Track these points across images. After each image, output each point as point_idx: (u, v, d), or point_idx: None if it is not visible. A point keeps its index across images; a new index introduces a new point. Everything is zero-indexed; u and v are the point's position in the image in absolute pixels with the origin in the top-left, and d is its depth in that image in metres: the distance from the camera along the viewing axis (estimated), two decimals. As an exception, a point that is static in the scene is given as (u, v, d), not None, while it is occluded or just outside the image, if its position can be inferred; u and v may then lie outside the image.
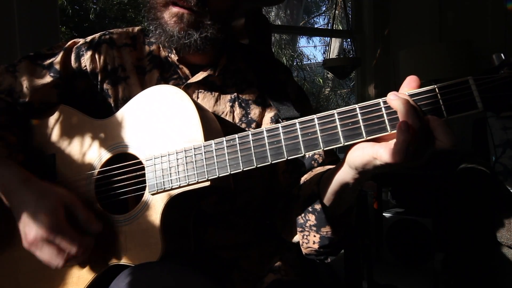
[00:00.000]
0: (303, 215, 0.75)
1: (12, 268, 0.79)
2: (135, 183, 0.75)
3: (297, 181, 0.83)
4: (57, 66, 0.85)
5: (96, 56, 0.86)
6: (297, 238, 0.79)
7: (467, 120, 2.38)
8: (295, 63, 7.06)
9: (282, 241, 0.90)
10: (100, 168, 0.78)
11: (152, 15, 0.80)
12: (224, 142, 0.67)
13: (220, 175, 0.67)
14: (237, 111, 0.86)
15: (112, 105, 0.85)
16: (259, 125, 0.86)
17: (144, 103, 0.77)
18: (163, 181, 0.71)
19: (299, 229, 0.77)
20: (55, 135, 0.82)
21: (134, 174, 0.76)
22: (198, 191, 0.70)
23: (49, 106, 0.85)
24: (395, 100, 0.55)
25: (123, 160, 0.77)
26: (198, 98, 0.85)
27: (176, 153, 0.71)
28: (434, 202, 2.35)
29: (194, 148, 0.69)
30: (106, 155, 0.78)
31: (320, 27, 7.97)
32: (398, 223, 2.50)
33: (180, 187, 0.70)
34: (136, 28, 0.92)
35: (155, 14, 0.79)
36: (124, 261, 0.72)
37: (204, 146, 0.68)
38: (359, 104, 0.59)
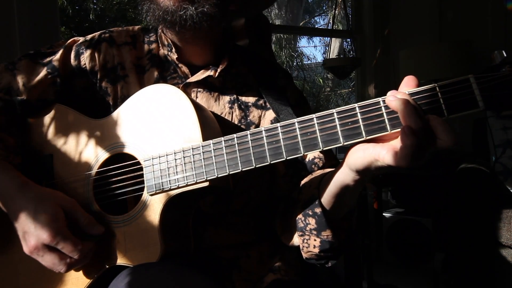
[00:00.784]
0: (303, 218, 0.74)
1: (12, 269, 0.79)
2: (134, 183, 0.75)
3: (297, 185, 0.83)
4: (56, 64, 0.85)
5: (96, 54, 0.86)
6: (297, 242, 0.79)
7: (467, 120, 2.38)
8: (295, 63, 7.05)
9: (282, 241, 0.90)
10: (98, 169, 0.77)
11: None
12: (223, 142, 0.66)
13: (218, 175, 0.66)
14: (236, 112, 0.86)
15: (111, 103, 0.85)
16: (258, 127, 0.86)
17: (142, 102, 0.77)
18: (162, 182, 0.71)
19: (299, 233, 0.76)
20: (52, 135, 0.82)
21: (132, 174, 0.75)
22: (197, 191, 0.70)
23: (46, 103, 0.84)
24: (395, 101, 0.54)
25: (121, 160, 0.77)
26: (197, 97, 0.85)
27: (174, 153, 0.70)
28: (434, 202, 2.35)
29: (192, 148, 0.69)
30: (104, 155, 0.77)
31: (320, 27, 7.98)
32: (398, 223, 2.51)
33: (178, 187, 0.70)
34: (137, 27, 0.92)
35: None
36: (123, 261, 0.72)
37: (202, 146, 0.68)
38: (358, 103, 0.58)
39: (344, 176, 0.64)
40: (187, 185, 0.69)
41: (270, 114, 0.87)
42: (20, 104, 0.84)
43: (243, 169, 0.65)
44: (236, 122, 0.85)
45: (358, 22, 3.13)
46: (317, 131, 0.60)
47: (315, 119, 0.60)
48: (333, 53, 4.37)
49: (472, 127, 2.34)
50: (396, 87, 0.58)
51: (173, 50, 0.85)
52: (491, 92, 0.52)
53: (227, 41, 0.90)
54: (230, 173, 0.66)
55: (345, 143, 0.59)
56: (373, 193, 2.53)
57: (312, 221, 0.72)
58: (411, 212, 2.54)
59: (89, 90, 0.87)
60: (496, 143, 2.08)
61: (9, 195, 0.72)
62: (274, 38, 5.98)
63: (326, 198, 0.69)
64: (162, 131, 0.73)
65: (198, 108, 0.73)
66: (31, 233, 0.69)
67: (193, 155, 0.69)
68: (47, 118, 0.83)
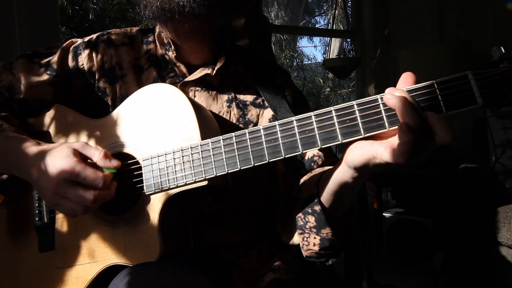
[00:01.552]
0: (302, 217, 0.74)
1: (12, 269, 0.79)
2: (133, 183, 0.75)
3: (297, 183, 0.83)
4: (54, 65, 0.85)
5: (94, 55, 0.86)
6: (297, 240, 0.79)
7: (467, 120, 2.38)
8: (295, 63, 7.05)
9: (281, 240, 0.89)
10: (97, 168, 0.77)
11: None
12: (221, 141, 0.66)
13: (217, 174, 0.66)
14: (234, 111, 0.86)
15: (110, 103, 0.85)
16: (256, 126, 0.86)
17: (140, 102, 0.77)
18: (160, 181, 0.71)
19: (299, 231, 0.76)
20: (51, 135, 0.82)
21: (131, 174, 0.75)
22: (196, 190, 0.70)
23: (44, 104, 0.84)
24: (392, 98, 0.54)
25: (121, 160, 0.77)
26: (195, 96, 0.85)
27: (173, 152, 0.70)
28: (434, 202, 2.35)
29: (191, 148, 0.69)
30: (103, 154, 0.77)
31: (320, 27, 7.98)
32: (398, 223, 2.50)
33: (177, 186, 0.70)
34: (135, 29, 0.92)
35: None
36: (122, 261, 0.72)
37: (201, 145, 0.68)
38: (356, 101, 0.58)
39: (342, 173, 0.64)
40: (186, 184, 0.69)
41: (268, 113, 0.87)
42: (18, 103, 0.84)
43: (242, 168, 0.65)
44: (234, 121, 0.85)
45: (358, 22, 3.13)
46: (315, 129, 0.60)
47: (313, 117, 0.60)
48: (333, 53, 4.37)
49: (472, 127, 2.34)
50: (396, 87, 0.58)
51: (172, 48, 0.85)
52: (489, 88, 0.52)
53: (224, 40, 0.90)
54: (229, 172, 0.66)
55: (343, 141, 0.59)
56: (373, 193, 2.53)
57: (311, 219, 0.73)
58: (411, 212, 2.54)
59: (88, 91, 0.87)
60: (496, 143, 2.08)
61: (23, 154, 0.72)
62: (274, 39, 5.98)
63: (325, 196, 0.69)
64: (161, 131, 0.73)
65: (196, 107, 0.73)
66: (50, 174, 0.68)
67: (191, 154, 0.69)
68: (46, 118, 0.83)
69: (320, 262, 0.78)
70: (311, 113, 0.60)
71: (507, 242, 1.71)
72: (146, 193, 0.72)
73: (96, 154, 0.71)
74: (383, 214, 2.58)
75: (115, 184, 0.71)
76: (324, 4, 8.33)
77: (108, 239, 0.74)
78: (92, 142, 0.79)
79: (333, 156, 0.86)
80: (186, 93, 0.75)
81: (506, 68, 0.52)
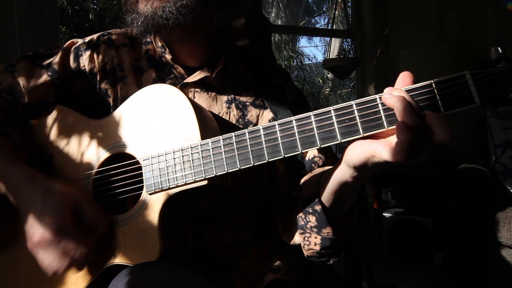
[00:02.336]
0: (303, 216, 0.74)
1: (12, 269, 0.79)
2: (133, 182, 0.75)
3: (297, 183, 0.83)
4: (56, 66, 0.85)
5: (95, 56, 0.86)
6: (298, 240, 0.79)
7: (467, 120, 2.38)
8: (295, 63, 7.05)
9: (282, 240, 0.89)
10: (98, 168, 0.78)
11: (129, 10, 0.79)
12: (221, 140, 0.67)
13: (217, 174, 0.67)
14: (234, 112, 0.86)
15: (111, 104, 0.85)
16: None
17: (141, 102, 0.77)
18: (160, 181, 0.71)
19: (300, 231, 0.76)
20: (52, 135, 0.82)
21: (131, 173, 0.76)
22: (196, 190, 0.70)
23: (46, 105, 0.85)
24: (391, 98, 0.55)
25: (121, 160, 0.77)
26: (194, 97, 0.85)
27: (173, 152, 0.70)
28: (434, 202, 2.35)
29: (191, 147, 0.69)
30: (104, 154, 0.78)
31: (320, 27, 7.98)
32: (398, 223, 2.50)
33: (177, 186, 0.70)
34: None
35: (132, 9, 0.78)
36: (122, 261, 0.72)
37: (201, 145, 0.68)
38: (355, 101, 0.58)
39: (342, 173, 0.64)
40: (185, 184, 0.69)
41: (268, 113, 0.87)
42: (22, 106, 0.84)
43: (242, 168, 0.65)
44: (234, 122, 0.85)
45: (358, 22, 3.13)
46: (315, 129, 0.60)
47: (312, 116, 0.60)
48: (333, 53, 4.38)
49: (472, 127, 2.34)
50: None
51: (167, 50, 0.85)
52: (487, 88, 0.53)
53: (223, 41, 0.90)
54: (229, 171, 0.66)
55: (343, 140, 0.59)
56: (373, 193, 2.53)
57: (312, 219, 0.73)
58: (411, 212, 2.54)
59: (89, 92, 0.87)
60: (496, 143, 2.08)
61: (19, 187, 0.72)
62: (274, 39, 5.97)
63: (326, 195, 0.70)
64: (161, 131, 0.73)
65: (196, 107, 0.74)
66: (36, 228, 0.68)
67: (191, 154, 0.69)
68: (47, 119, 0.83)
69: (321, 262, 0.78)
70: (310, 113, 0.61)
71: (507, 242, 1.71)
72: (146, 193, 0.72)
73: (89, 211, 0.71)
74: (383, 214, 2.58)
75: (97, 245, 0.71)
76: (324, 5, 8.33)
77: (108, 239, 0.74)
78: (93, 143, 0.79)
79: (333, 157, 0.86)
80: (186, 95, 0.75)
81: (504, 67, 0.52)
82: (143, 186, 0.73)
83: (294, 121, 0.62)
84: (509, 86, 0.52)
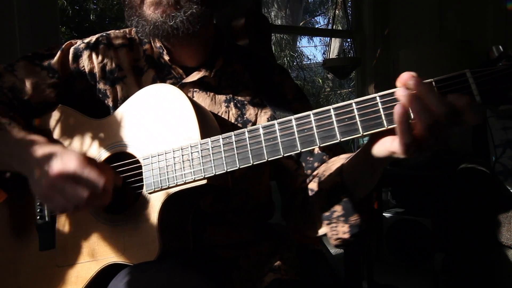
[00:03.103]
0: (328, 207, 0.74)
1: (13, 269, 0.79)
2: (133, 181, 0.75)
3: (311, 175, 0.84)
4: (55, 67, 0.85)
5: (94, 57, 0.86)
6: (322, 231, 0.78)
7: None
8: (295, 63, 7.05)
9: (282, 240, 0.89)
10: (97, 167, 0.78)
11: (133, 13, 0.79)
12: (221, 139, 0.67)
13: (216, 173, 0.67)
14: (233, 111, 0.86)
15: (111, 105, 0.85)
16: (254, 125, 0.86)
17: (141, 102, 0.77)
18: (160, 180, 0.71)
19: (325, 221, 0.76)
20: (53, 135, 0.82)
21: (131, 173, 0.76)
22: (195, 189, 0.70)
23: (47, 106, 0.85)
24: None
25: (122, 159, 0.77)
26: (193, 97, 0.85)
27: (173, 151, 0.71)
28: (434, 202, 2.34)
29: (190, 146, 0.69)
30: (104, 154, 0.78)
31: (320, 27, 7.98)
32: (398, 223, 2.50)
33: (177, 185, 0.70)
34: (134, 29, 0.92)
35: (136, 11, 0.78)
36: (122, 260, 0.72)
37: (200, 144, 0.68)
38: (355, 100, 0.58)
39: (366, 165, 0.66)
40: (185, 183, 0.69)
41: (266, 112, 0.87)
42: (22, 105, 0.84)
43: (241, 167, 0.65)
44: (232, 121, 0.85)
45: (358, 22, 3.12)
46: (314, 128, 0.60)
47: (312, 115, 0.61)
48: (333, 53, 4.37)
49: (472, 127, 2.34)
50: (395, 87, 0.58)
51: (165, 52, 0.85)
52: (487, 86, 0.53)
53: (221, 40, 0.90)
54: (228, 170, 0.66)
55: (342, 140, 0.59)
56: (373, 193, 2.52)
57: (338, 208, 0.73)
58: (411, 212, 2.53)
59: (89, 92, 0.87)
60: (496, 143, 2.08)
61: (29, 142, 0.70)
62: (274, 39, 5.98)
63: (351, 184, 0.70)
64: (161, 130, 0.74)
65: (196, 106, 0.74)
66: (54, 165, 0.65)
67: (191, 153, 0.69)
68: (49, 118, 0.84)
69: (348, 247, 0.79)
70: (310, 112, 0.61)
71: (507, 242, 1.71)
72: (146, 192, 0.72)
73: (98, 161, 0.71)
74: (383, 214, 2.57)
75: (110, 193, 0.69)
76: (324, 5, 8.33)
77: (108, 238, 0.74)
78: (94, 142, 0.79)
79: (340, 148, 0.88)
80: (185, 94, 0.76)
81: (504, 66, 0.52)
82: (143, 185, 0.73)
83: (293, 120, 0.62)
84: (510, 84, 0.52)
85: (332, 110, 0.59)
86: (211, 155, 0.67)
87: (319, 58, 8.51)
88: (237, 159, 0.65)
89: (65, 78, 0.86)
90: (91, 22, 5.26)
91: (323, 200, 0.75)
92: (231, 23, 2.12)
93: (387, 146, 0.58)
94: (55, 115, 0.83)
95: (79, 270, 0.75)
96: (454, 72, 0.55)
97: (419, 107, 0.53)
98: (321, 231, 0.79)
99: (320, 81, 7.13)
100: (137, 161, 0.75)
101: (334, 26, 3.49)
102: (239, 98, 0.87)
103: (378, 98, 0.57)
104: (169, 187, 0.70)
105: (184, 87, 0.85)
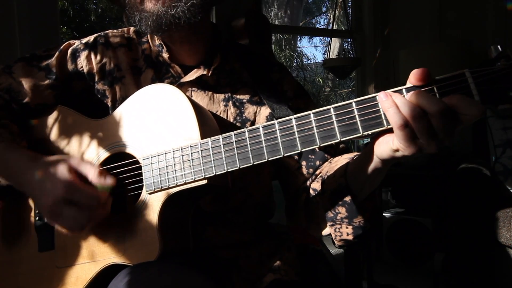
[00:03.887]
0: (332, 208, 0.75)
1: (12, 269, 0.79)
2: (133, 182, 0.75)
3: (314, 174, 0.84)
4: (53, 68, 0.85)
5: (92, 57, 0.86)
6: (326, 231, 0.79)
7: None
8: (295, 63, 7.05)
9: (282, 240, 0.89)
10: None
11: (134, 10, 0.79)
12: (221, 140, 0.67)
13: (216, 173, 0.67)
14: (231, 110, 0.86)
15: (110, 105, 0.85)
16: (253, 124, 0.86)
17: (140, 102, 0.77)
18: (160, 180, 0.71)
19: (329, 223, 0.76)
20: (52, 135, 0.82)
21: (131, 173, 0.76)
22: (195, 189, 0.70)
23: (46, 107, 0.85)
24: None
25: (121, 160, 0.77)
26: (191, 97, 0.85)
27: (173, 151, 0.70)
28: (434, 202, 2.34)
29: (190, 146, 0.69)
30: (104, 154, 0.78)
31: (320, 27, 7.97)
32: (398, 223, 2.50)
33: (177, 185, 0.70)
34: (132, 29, 0.92)
35: (137, 8, 0.79)
36: (122, 260, 0.72)
37: (200, 144, 0.68)
38: (355, 99, 0.59)
39: (374, 165, 0.65)
40: (185, 183, 0.69)
41: (265, 110, 0.87)
42: (20, 107, 0.84)
43: (241, 167, 0.65)
44: (231, 120, 0.85)
45: (358, 22, 3.12)
46: (314, 128, 0.60)
47: (312, 115, 0.61)
48: (333, 53, 4.38)
49: (472, 127, 2.34)
50: (396, 87, 0.59)
51: (165, 49, 0.85)
52: (486, 86, 0.53)
53: (219, 38, 0.90)
54: (228, 170, 0.66)
55: (342, 139, 0.59)
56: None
57: (342, 210, 0.73)
58: (411, 212, 2.53)
59: (88, 92, 0.87)
60: (496, 143, 2.08)
61: (21, 169, 0.73)
62: (274, 39, 5.97)
63: (355, 186, 0.71)
64: (161, 130, 0.74)
65: (196, 106, 0.74)
66: (47, 193, 0.68)
67: (191, 153, 0.69)
68: (48, 119, 0.84)
69: (351, 247, 0.80)
70: (310, 112, 0.61)
71: (507, 242, 1.71)
72: (146, 192, 0.72)
73: (91, 172, 0.71)
74: (383, 214, 2.57)
75: (110, 201, 0.71)
76: (324, 5, 8.32)
77: (107, 238, 0.74)
78: (93, 142, 0.79)
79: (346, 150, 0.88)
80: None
81: (503, 66, 0.52)
82: (143, 185, 0.73)
83: (293, 120, 0.62)
84: (509, 84, 0.52)
85: (332, 110, 0.59)
86: (211, 155, 0.67)
87: (319, 58, 8.51)
88: (237, 159, 0.65)
89: (63, 79, 0.86)
90: (91, 22, 5.25)
91: (327, 201, 0.75)
92: (231, 23, 2.12)
93: (390, 144, 0.58)
94: (53, 116, 0.83)
95: (79, 271, 0.75)
96: (454, 71, 0.55)
97: (409, 112, 0.54)
98: (325, 232, 0.80)
99: (320, 81, 7.12)
100: (137, 161, 0.75)
101: (334, 26, 3.49)
102: (238, 96, 0.87)
103: (378, 97, 0.57)
104: (169, 187, 0.70)
105: (182, 86, 0.84)
